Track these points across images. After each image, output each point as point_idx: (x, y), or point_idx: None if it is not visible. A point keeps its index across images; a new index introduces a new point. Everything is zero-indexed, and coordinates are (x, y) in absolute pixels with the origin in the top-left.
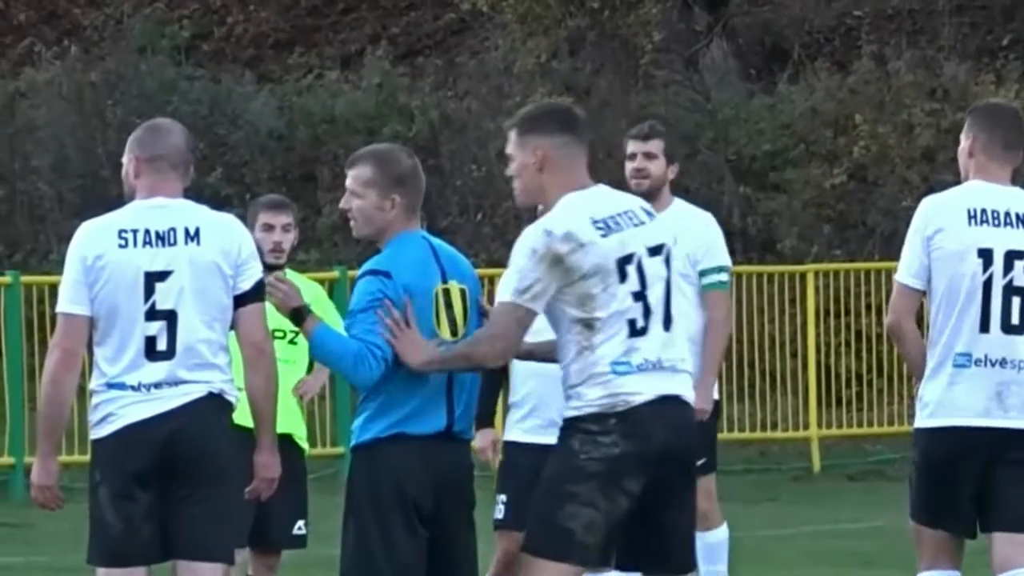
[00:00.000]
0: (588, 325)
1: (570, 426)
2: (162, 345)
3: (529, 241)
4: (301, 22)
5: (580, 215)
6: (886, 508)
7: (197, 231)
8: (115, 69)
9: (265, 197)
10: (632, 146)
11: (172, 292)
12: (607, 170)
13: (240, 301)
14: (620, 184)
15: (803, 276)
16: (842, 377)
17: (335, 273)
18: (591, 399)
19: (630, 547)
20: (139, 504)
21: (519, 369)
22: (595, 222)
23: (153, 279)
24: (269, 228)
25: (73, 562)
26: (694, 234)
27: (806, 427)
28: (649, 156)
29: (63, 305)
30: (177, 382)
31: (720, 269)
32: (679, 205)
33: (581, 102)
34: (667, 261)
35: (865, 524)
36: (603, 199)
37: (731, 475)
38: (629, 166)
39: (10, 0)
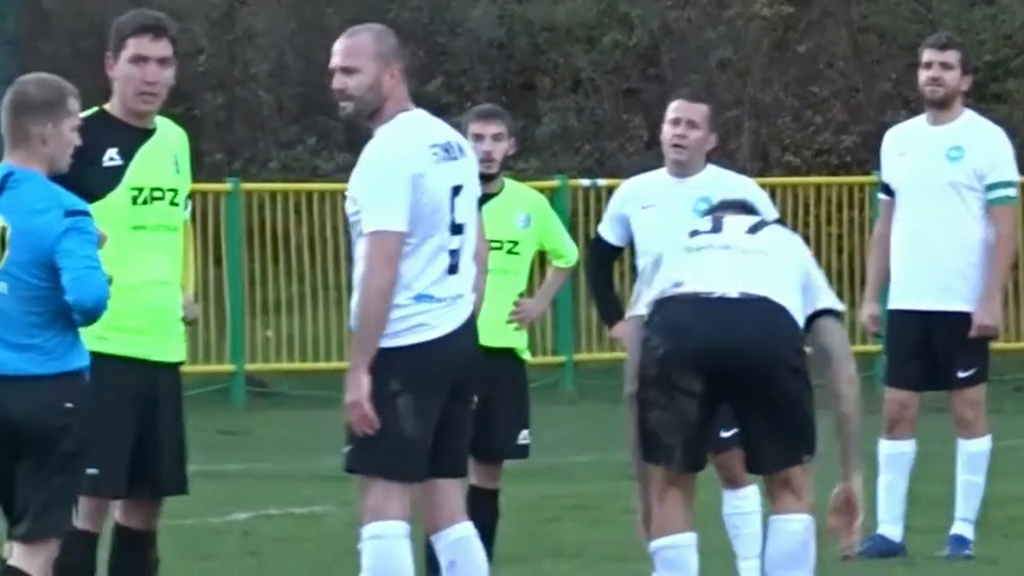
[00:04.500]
0: None
1: None
2: (456, 258)
3: None
4: None
5: None
6: None
7: (460, 144)
8: None
9: (477, 107)
10: (928, 54)
11: (465, 206)
12: (828, 80)
13: None
14: (840, 93)
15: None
16: None
17: (555, 182)
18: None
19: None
20: (433, 418)
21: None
22: None
23: (455, 194)
24: (479, 138)
25: (292, 469)
26: (982, 148)
27: None
28: (945, 66)
29: (384, 222)
30: (462, 294)
31: (1008, 184)
32: (969, 116)
33: (802, 12)
34: None
35: None
36: None
37: None
38: (924, 74)
39: None
